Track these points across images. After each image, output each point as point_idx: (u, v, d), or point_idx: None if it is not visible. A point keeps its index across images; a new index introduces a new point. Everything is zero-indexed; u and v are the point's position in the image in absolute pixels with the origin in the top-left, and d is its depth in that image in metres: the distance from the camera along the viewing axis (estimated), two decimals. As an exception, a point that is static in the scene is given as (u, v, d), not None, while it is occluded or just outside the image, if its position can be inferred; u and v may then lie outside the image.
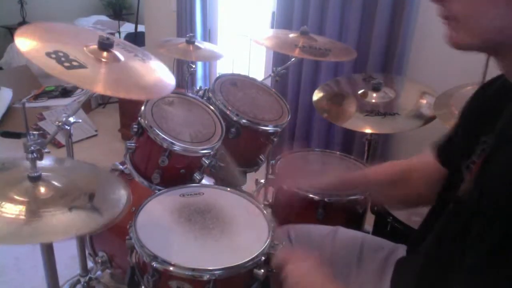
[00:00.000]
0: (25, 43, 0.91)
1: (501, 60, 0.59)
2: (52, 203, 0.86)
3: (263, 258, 0.92)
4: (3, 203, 0.83)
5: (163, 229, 1.01)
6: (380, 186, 0.99)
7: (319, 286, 0.76)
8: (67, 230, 0.83)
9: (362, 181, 1.05)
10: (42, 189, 0.89)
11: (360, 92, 1.63)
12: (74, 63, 0.92)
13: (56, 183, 0.92)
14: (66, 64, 0.91)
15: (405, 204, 1.07)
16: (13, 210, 0.82)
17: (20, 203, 0.84)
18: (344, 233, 1.06)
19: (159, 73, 1.14)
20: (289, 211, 1.43)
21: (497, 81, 0.69)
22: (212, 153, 1.25)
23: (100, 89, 0.93)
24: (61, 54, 0.92)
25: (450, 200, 0.69)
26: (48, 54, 0.90)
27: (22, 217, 0.81)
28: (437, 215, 0.74)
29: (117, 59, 1.04)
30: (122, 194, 0.96)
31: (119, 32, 3.95)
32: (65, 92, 3.39)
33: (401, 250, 0.96)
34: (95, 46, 1.02)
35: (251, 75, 1.69)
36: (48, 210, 0.84)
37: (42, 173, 0.91)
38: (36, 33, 0.97)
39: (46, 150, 0.94)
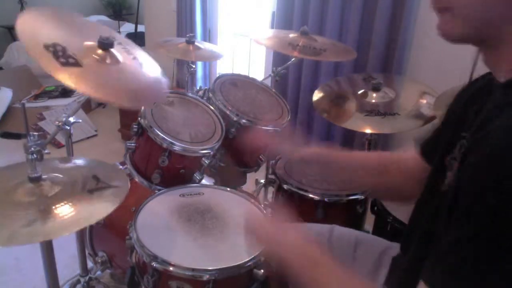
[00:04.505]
0: (25, 29, 0.87)
1: (488, 54, 0.60)
2: (67, 195, 0.87)
3: (262, 258, 0.92)
4: (21, 208, 0.83)
5: (163, 229, 1.01)
6: (362, 169, 1.01)
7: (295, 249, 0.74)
8: (105, 208, 0.83)
9: (346, 158, 1.06)
10: (48, 187, 0.89)
11: (360, 92, 1.62)
12: (70, 60, 0.88)
13: (57, 179, 0.93)
14: (62, 60, 0.86)
15: (387, 197, 1.08)
16: (30, 212, 0.81)
17: (33, 203, 0.84)
18: (340, 231, 1.07)
19: (152, 82, 1.07)
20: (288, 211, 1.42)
21: (484, 78, 0.70)
22: (212, 153, 1.25)
23: (88, 90, 0.87)
24: (59, 47, 0.88)
25: (433, 195, 0.69)
26: (46, 47, 0.86)
27: (42, 213, 0.81)
28: (422, 211, 0.75)
29: (115, 60, 0.99)
30: (116, 165, 1.01)
31: (119, 32, 3.95)
32: (65, 92, 3.38)
33: (395, 248, 0.96)
34: (95, 44, 0.97)
35: (251, 75, 1.69)
36: (67, 201, 0.84)
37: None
38: (40, 19, 0.94)
39: (46, 151, 0.94)
